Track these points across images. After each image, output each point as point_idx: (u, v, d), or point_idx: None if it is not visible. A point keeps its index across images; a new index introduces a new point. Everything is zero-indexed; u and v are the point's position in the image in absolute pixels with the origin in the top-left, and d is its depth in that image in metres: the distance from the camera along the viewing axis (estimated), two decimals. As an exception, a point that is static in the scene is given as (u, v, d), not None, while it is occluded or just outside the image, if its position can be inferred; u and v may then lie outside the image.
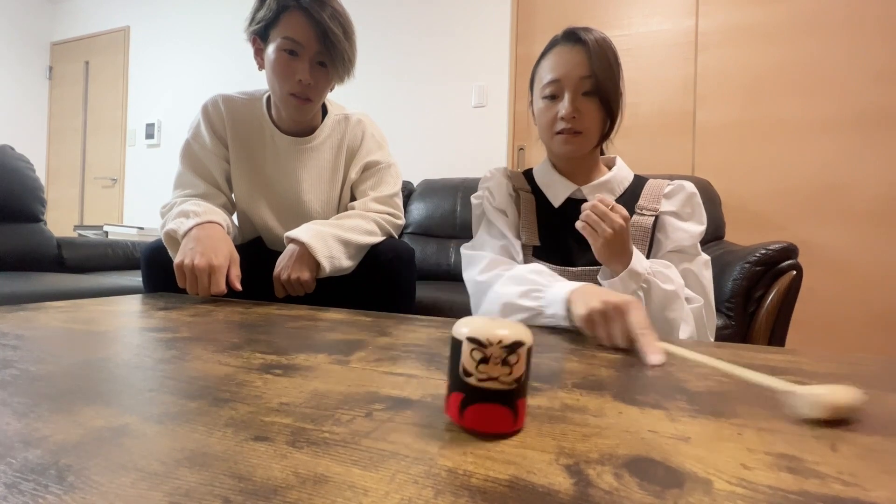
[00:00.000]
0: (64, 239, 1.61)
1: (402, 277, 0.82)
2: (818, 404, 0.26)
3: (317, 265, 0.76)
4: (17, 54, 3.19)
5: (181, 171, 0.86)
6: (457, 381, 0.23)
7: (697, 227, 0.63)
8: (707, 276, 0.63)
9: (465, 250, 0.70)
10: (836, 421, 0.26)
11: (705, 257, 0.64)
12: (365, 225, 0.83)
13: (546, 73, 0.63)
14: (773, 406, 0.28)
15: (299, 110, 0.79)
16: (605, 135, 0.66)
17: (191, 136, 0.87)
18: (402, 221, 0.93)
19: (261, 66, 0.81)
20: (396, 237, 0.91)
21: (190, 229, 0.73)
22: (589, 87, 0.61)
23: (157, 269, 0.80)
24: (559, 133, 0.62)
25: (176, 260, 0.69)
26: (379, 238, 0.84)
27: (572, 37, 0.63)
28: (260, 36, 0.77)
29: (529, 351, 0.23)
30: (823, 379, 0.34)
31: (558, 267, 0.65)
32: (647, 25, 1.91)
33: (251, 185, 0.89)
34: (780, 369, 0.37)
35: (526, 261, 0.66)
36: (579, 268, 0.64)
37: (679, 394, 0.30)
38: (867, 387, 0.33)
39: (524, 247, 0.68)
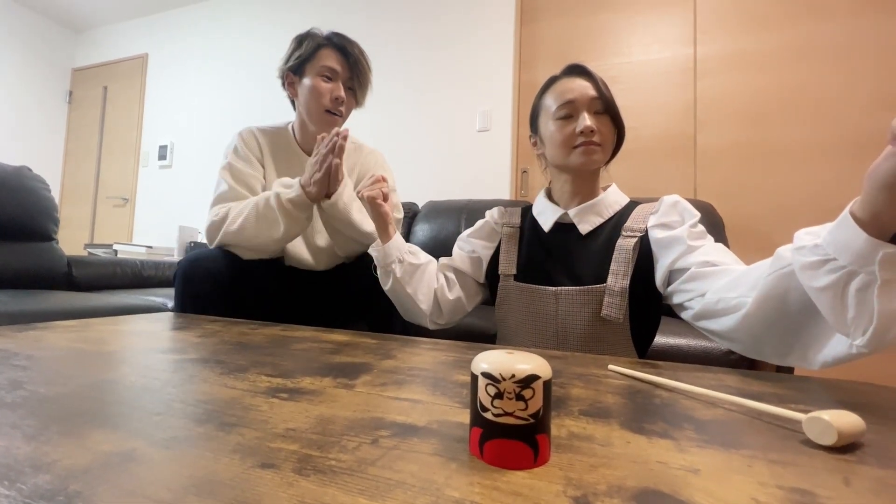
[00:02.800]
0: (74, 257, 1.63)
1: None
2: (823, 430, 0.26)
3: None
4: (40, 79, 3.32)
5: (228, 187, 0.89)
6: (476, 416, 0.23)
7: (689, 223, 0.61)
8: (719, 248, 0.59)
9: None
10: (843, 447, 0.26)
11: (712, 243, 0.60)
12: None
13: (557, 99, 0.67)
14: (783, 436, 0.27)
15: (332, 124, 0.90)
16: (614, 152, 0.70)
17: (231, 157, 0.92)
18: None
19: (294, 95, 0.94)
20: None
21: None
22: (600, 107, 0.66)
23: (190, 283, 0.82)
24: (578, 146, 0.65)
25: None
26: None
27: (575, 69, 0.69)
28: (294, 71, 0.91)
29: (547, 385, 0.23)
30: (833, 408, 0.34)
31: (538, 286, 0.67)
32: (647, 53, 1.97)
33: None
34: (788, 398, 0.37)
35: (505, 284, 0.73)
36: (558, 287, 0.66)
37: (687, 422, 0.29)
38: (877, 417, 0.32)
39: (505, 275, 0.72)
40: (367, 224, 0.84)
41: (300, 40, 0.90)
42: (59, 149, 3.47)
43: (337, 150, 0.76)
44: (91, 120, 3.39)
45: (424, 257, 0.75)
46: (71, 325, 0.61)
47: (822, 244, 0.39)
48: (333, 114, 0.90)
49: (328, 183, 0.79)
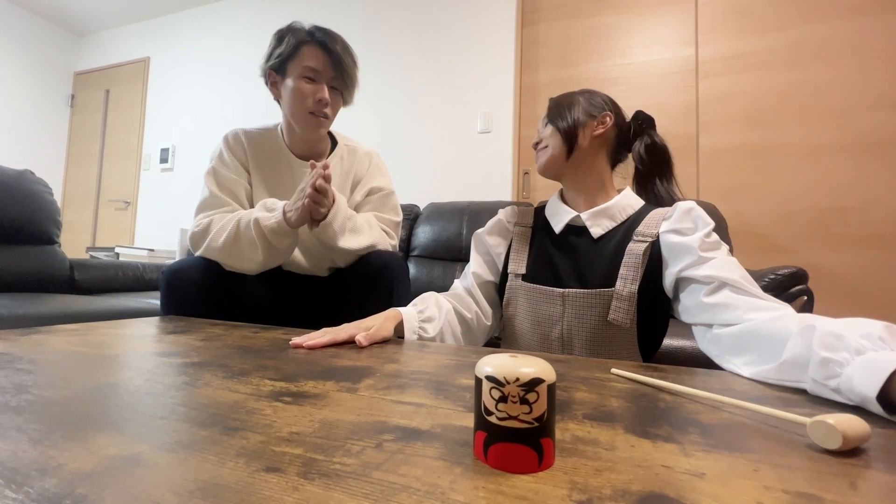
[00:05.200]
0: (76, 261, 1.64)
1: (396, 285, 0.83)
2: (828, 434, 0.25)
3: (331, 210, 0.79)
4: (42, 83, 3.34)
5: (210, 193, 0.88)
6: (480, 419, 0.23)
7: (703, 232, 0.60)
8: (730, 263, 0.57)
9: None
10: (848, 452, 0.25)
11: (724, 255, 0.58)
12: (369, 227, 0.88)
13: None
14: (788, 440, 0.27)
15: (317, 127, 0.87)
16: (569, 153, 0.71)
17: (216, 163, 0.91)
18: (395, 242, 0.96)
19: (277, 96, 0.89)
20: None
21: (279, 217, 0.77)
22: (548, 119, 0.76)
23: (176, 292, 0.83)
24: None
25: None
26: (370, 242, 0.86)
27: None
28: (276, 70, 0.86)
29: (551, 388, 0.23)
30: (837, 412, 0.33)
31: (546, 287, 0.68)
32: (648, 55, 1.97)
33: None
34: (792, 402, 0.37)
35: (513, 284, 0.72)
36: (566, 289, 0.66)
37: (692, 426, 0.29)
38: (882, 421, 0.32)
39: (514, 274, 0.72)
40: (356, 243, 0.82)
41: (281, 36, 0.85)
42: (62, 152, 3.49)
43: (318, 186, 0.73)
44: (93, 123, 3.41)
45: (436, 322, 0.68)
46: (74, 328, 0.62)
47: (842, 391, 0.36)
48: (317, 116, 0.86)
49: (309, 214, 0.76)
